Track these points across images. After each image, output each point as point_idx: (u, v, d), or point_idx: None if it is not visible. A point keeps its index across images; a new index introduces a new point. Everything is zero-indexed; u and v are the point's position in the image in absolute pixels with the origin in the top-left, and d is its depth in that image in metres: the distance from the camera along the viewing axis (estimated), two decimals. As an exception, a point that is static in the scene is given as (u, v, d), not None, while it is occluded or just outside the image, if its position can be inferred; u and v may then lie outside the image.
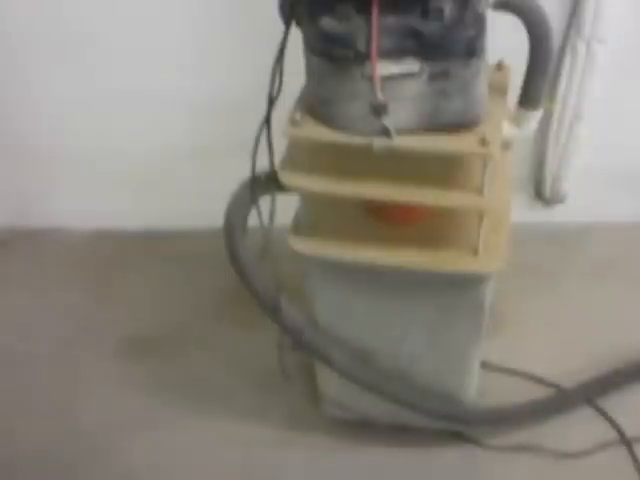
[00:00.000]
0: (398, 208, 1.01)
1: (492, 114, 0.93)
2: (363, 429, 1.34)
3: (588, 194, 1.67)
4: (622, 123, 1.55)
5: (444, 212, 1.02)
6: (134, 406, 1.45)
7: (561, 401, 1.38)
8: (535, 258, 1.62)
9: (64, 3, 1.47)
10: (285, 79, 0.92)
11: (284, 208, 1.02)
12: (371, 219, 1.07)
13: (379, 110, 0.87)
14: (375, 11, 0.81)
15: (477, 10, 0.84)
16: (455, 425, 1.31)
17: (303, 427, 1.38)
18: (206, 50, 1.50)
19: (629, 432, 1.33)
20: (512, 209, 1.08)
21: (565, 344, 1.48)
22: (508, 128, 1.00)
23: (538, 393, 1.38)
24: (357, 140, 0.90)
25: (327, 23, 0.84)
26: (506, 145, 0.99)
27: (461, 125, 0.90)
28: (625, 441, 1.32)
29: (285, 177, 0.98)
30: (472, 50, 0.86)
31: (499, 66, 1.07)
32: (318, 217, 1.07)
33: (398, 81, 0.86)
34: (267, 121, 0.95)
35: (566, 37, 1.45)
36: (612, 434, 1.33)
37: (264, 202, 1.02)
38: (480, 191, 0.94)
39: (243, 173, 1.01)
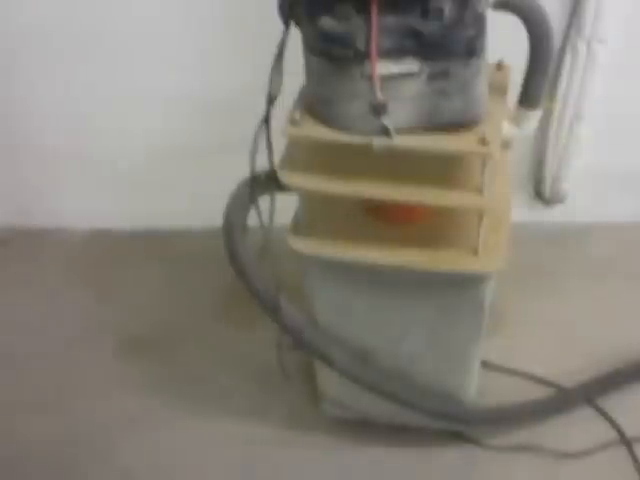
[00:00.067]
0: (398, 208, 1.01)
1: (492, 114, 0.93)
2: (363, 429, 1.34)
3: (588, 194, 1.67)
4: (622, 123, 1.55)
5: (444, 212, 1.02)
6: (133, 406, 1.45)
7: (561, 401, 1.38)
8: (535, 258, 1.62)
9: (64, 3, 1.47)
10: (285, 79, 0.92)
11: (284, 207, 1.02)
12: (371, 219, 1.07)
13: (379, 109, 0.87)
14: (375, 11, 0.81)
15: (477, 10, 0.84)
16: (455, 425, 1.31)
17: (303, 426, 1.38)
18: (205, 50, 1.50)
19: (629, 432, 1.33)
20: (512, 209, 1.08)
21: (565, 344, 1.48)
22: (508, 128, 1.00)
23: (538, 393, 1.37)
24: (357, 139, 0.90)
25: (326, 23, 0.84)
26: (506, 145, 0.99)
27: (461, 125, 0.90)
28: (625, 441, 1.32)
29: (285, 176, 0.98)
30: (472, 50, 0.86)
31: (499, 66, 1.07)
32: (318, 217, 1.07)
33: (398, 81, 0.86)
34: (266, 120, 0.95)
35: (566, 37, 1.44)
36: (612, 434, 1.33)
37: (264, 201, 1.02)
38: (480, 191, 0.93)
39: (242, 173, 1.01)
